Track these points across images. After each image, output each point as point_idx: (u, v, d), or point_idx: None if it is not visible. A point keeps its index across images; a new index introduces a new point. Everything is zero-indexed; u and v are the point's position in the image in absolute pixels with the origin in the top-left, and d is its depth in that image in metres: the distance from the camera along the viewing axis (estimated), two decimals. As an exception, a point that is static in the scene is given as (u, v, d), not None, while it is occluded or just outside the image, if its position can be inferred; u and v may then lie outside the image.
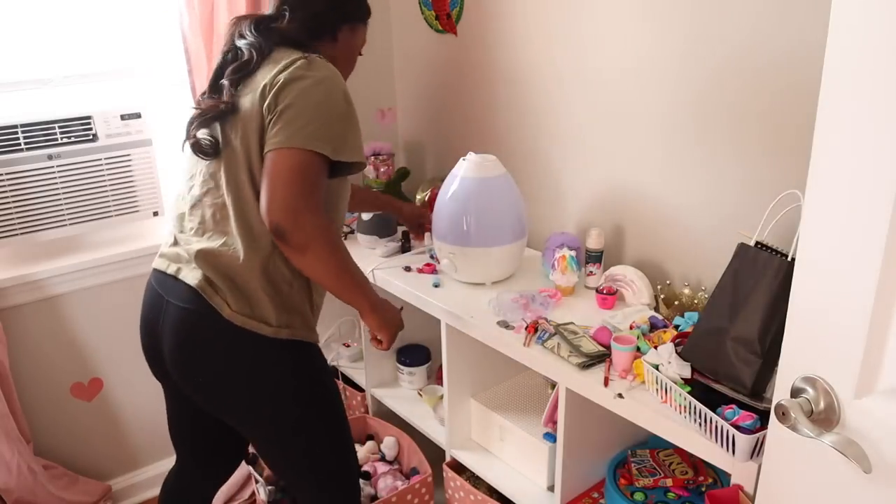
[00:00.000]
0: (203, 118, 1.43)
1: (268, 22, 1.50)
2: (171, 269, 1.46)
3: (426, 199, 2.25)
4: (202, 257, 1.40)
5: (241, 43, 1.46)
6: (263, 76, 1.39)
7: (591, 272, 1.87)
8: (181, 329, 1.41)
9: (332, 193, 1.45)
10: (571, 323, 1.65)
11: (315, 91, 1.35)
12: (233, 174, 1.40)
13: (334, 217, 1.51)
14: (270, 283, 1.41)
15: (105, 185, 2.01)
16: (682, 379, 1.34)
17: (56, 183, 1.94)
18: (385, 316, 1.50)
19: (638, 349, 1.49)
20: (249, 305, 1.39)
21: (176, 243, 1.49)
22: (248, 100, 1.39)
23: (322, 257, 1.32)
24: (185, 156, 1.52)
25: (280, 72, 1.36)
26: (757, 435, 1.18)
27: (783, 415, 0.90)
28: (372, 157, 2.38)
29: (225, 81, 1.43)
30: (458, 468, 1.98)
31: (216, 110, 1.41)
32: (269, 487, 2.06)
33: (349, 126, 1.39)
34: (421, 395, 2.17)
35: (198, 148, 1.43)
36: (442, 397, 2.01)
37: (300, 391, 1.47)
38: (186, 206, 1.48)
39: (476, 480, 1.94)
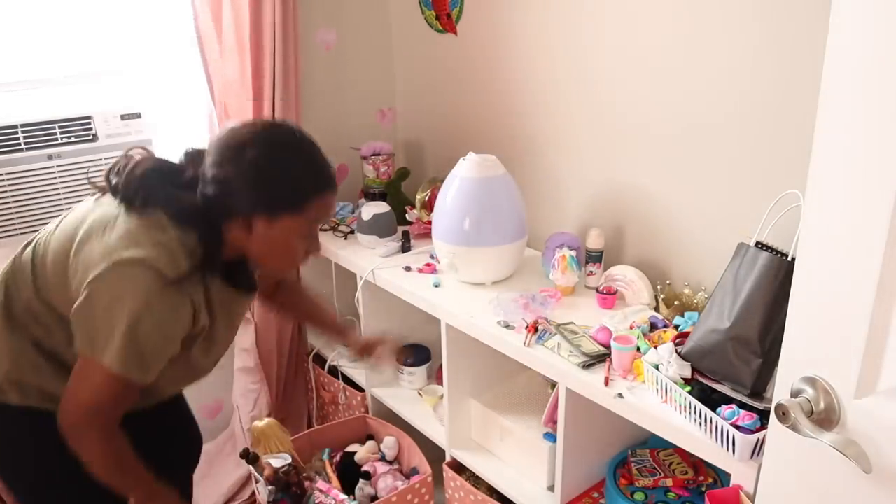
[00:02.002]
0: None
1: (175, 176, 1.28)
2: None
3: (426, 199, 2.25)
4: None
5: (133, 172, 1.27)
6: (97, 232, 1.22)
7: (591, 272, 1.87)
8: None
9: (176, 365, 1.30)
10: (571, 323, 1.65)
11: (126, 309, 1.15)
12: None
13: (164, 387, 1.37)
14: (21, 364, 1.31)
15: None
16: (682, 379, 1.34)
17: (56, 183, 1.94)
18: None
19: (638, 349, 1.49)
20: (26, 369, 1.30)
21: None
22: (78, 224, 1.26)
23: (91, 462, 1.24)
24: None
25: (96, 264, 1.17)
26: (757, 435, 1.18)
27: (783, 415, 0.89)
28: (372, 157, 2.38)
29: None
30: (458, 468, 1.98)
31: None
32: (269, 487, 2.06)
33: (149, 348, 1.19)
34: (421, 395, 2.16)
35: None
36: (442, 397, 2.01)
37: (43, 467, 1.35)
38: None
39: (476, 480, 1.94)
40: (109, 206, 1.27)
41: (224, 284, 1.31)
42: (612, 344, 1.49)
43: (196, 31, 1.94)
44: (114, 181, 1.28)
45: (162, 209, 1.22)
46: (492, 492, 1.89)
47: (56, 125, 1.91)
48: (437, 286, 1.91)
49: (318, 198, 1.25)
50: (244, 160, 1.20)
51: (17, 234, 1.92)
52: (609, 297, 1.74)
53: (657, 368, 1.37)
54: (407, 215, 2.26)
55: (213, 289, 1.29)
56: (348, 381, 2.38)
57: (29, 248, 1.34)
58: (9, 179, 1.87)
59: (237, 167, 1.20)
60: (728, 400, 1.27)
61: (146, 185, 1.24)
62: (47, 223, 1.94)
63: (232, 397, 2.41)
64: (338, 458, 2.18)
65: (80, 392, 1.20)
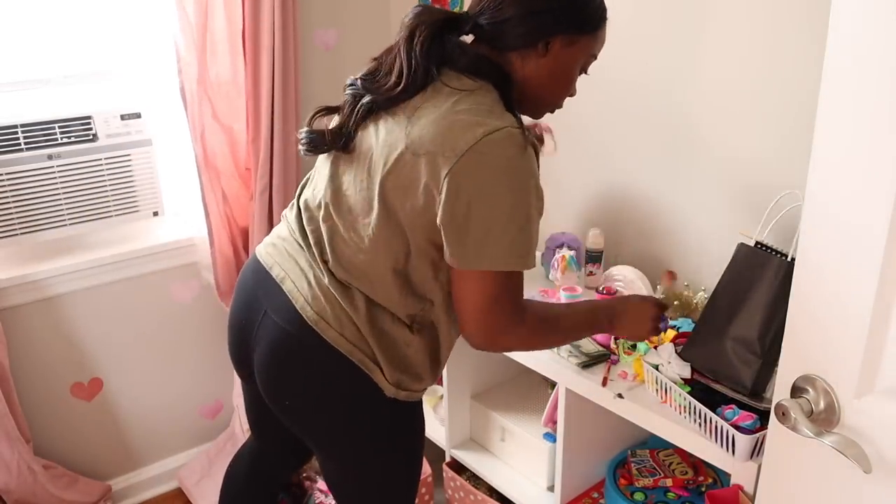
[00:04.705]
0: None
1: (453, 27, 1.18)
2: (275, 273, 1.27)
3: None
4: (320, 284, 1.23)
5: (401, 58, 1.15)
6: (418, 126, 1.11)
7: (591, 272, 1.87)
8: (278, 349, 1.25)
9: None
10: (571, 323, 1.65)
11: (505, 191, 1.06)
12: (356, 226, 1.19)
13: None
14: (385, 342, 1.23)
15: (105, 185, 2.01)
16: (682, 379, 1.34)
17: (56, 183, 1.94)
18: (629, 329, 1.30)
19: (635, 348, 1.49)
20: (365, 342, 1.22)
21: (296, 244, 1.29)
22: (386, 147, 1.14)
23: (528, 348, 1.26)
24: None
25: (452, 149, 1.06)
26: (757, 435, 1.18)
27: (783, 415, 0.89)
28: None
29: (360, 106, 1.19)
30: (458, 468, 1.98)
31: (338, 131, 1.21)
32: (269, 487, 2.06)
33: (536, 226, 1.11)
34: (421, 395, 2.17)
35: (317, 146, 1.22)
36: (442, 397, 2.01)
37: (392, 442, 1.33)
38: (319, 214, 1.26)
39: (476, 480, 1.94)
40: (394, 117, 1.15)
41: None
42: (561, 293, 1.55)
43: (173, 37, 1.92)
44: (395, 81, 1.15)
45: (463, 71, 1.15)
46: (492, 492, 1.89)
47: (56, 125, 1.90)
48: (436, 286, 1.91)
49: (603, 25, 1.22)
50: None
51: (17, 234, 1.91)
52: (609, 297, 1.74)
53: (657, 368, 1.37)
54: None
55: None
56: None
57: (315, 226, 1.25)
58: (9, 179, 1.87)
59: None
60: (728, 400, 1.27)
61: (434, 56, 1.15)
62: (47, 223, 1.96)
63: (232, 397, 2.41)
64: (338, 458, 2.17)
65: (473, 316, 1.12)
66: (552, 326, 1.22)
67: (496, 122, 1.07)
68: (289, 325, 1.23)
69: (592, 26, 1.19)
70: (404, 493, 1.42)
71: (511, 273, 1.10)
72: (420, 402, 1.36)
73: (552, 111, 1.29)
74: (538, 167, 1.12)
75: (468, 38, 1.21)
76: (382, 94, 1.16)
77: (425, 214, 1.11)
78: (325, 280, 1.22)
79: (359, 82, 1.21)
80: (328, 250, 1.22)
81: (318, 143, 1.22)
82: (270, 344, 1.26)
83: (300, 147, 1.24)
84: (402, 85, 1.14)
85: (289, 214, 1.33)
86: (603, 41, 1.24)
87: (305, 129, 1.23)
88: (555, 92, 1.25)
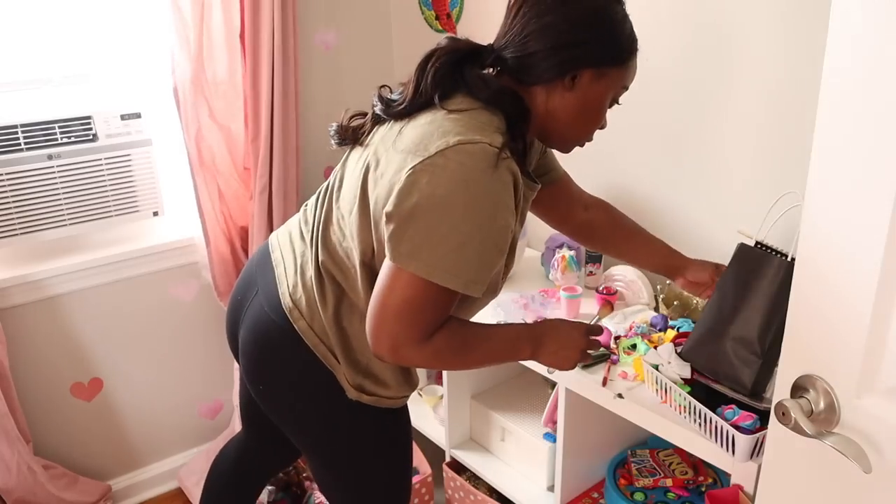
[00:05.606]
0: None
1: (475, 59, 1.16)
2: (275, 256, 1.33)
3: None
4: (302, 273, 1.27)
5: (412, 81, 1.17)
6: (409, 127, 1.13)
7: (591, 272, 1.87)
8: (258, 332, 1.29)
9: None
10: (571, 323, 1.65)
11: (459, 202, 1.03)
12: (342, 217, 1.22)
13: (466, 314, 1.25)
14: (346, 341, 1.25)
15: (105, 185, 2.01)
16: (682, 379, 1.34)
17: (56, 183, 1.94)
18: (553, 355, 1.23)
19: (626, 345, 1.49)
20: (329, 338, 1.25)
21: (300, 231, 1.32)
22: (381, 143, 1.17)
23: (433, 367, 1.20)
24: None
25: (425, 149, 1.06)
26: (757, 435, 1.18)
27: (783, 415, 0.89)
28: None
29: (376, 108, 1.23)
30: (458, 468, 1.98)
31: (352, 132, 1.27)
32: (270, 487, 2.06)
33: (482, 251, 1.06)
34: (421, 395, 2.16)
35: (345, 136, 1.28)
36: (442, 397, 2.01)
37: (366, 446, 1.34)
38: (324, 200, 1.29)
39: (476, 480, 1.94)
40: (389, 128, 1.18)
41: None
42: (561, 293, 1.59)
43: (172, 29, 1.91)
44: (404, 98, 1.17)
45: (465, 94, 1.13)
46: (492, 492, 1.89)
47: (56, 125, 1.90)
48: (436, 286, 1.90)
49: (635, 56, 1.17)
50: (580, 5, 1.11)
51: (17, 234, 1.91)
52: (609, 297, 1.74)
53: (657, 368, 1.37)
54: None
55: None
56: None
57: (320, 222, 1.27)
58: (9, 179, 1.87)
59: (575, 10, 1.10)
60: (728, 400, 1.27)
61: (445, 85, 1.13)
62: (47, 223, 1.96)
63: (232, 397, 2.41)
64: (338, 458, 2.17)
65: (385, 315, 1.08)
66: (462, 351, 1.15)
67: (476, 135, 1.05)
68: (270, 310, 1.27)
69: (622, 59, 1.15)
70: (386, 502, 1.42)
71: (439, 288, 1.05)
72: (400, 410, 1.35)
73: (581, 145, 1.24)
74: (512, 197, 1.08)
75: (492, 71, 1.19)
76: (388, 107, 1.19)
77: (384, 208, 1.10)
78: (311, 269, 1.24)
79: (377, 92, 1.23)
80: (320, 237, 1.25)
81: (339, 135, 1.28)
82: (252, 326, 1.30)
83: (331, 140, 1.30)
84: (403, 106, 1.16)
85: (310, 200, 1.36)
86: (634, 72, 1.19)
87: (335, 123, 1.29)
88: (583, 125, 1.20)
